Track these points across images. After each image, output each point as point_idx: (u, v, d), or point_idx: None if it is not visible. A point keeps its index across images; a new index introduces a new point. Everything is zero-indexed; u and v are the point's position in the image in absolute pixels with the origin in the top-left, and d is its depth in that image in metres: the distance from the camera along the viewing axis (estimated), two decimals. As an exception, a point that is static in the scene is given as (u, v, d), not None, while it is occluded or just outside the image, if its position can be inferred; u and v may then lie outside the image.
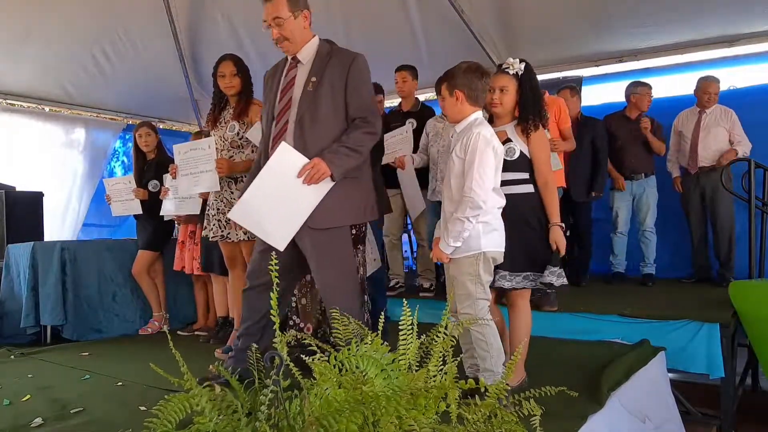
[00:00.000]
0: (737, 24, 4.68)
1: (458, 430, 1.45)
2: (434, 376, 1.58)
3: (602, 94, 5.71)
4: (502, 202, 2.34)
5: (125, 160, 6.93)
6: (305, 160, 2.31)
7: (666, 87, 5.25)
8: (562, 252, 2.42)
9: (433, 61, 5.28)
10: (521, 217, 2.44)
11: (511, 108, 2.51)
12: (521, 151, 2.46)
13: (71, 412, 2.38)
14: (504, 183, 2.44)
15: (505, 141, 2.48)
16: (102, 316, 4.13)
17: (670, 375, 3.17)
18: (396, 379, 1.44)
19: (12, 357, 3.51)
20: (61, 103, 6.17)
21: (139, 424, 1.60)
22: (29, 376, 3.00)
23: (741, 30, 4.73)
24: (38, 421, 2.27)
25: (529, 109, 2.47)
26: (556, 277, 2.43)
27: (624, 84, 4.89)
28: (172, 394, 1.37)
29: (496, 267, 2.39)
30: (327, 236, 2.39)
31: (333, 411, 1.26)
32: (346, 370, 1.43)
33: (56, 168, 6.20)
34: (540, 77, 5.61)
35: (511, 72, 2.49)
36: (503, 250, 2.34)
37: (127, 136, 6.98)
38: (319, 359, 1.55)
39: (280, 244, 2.35)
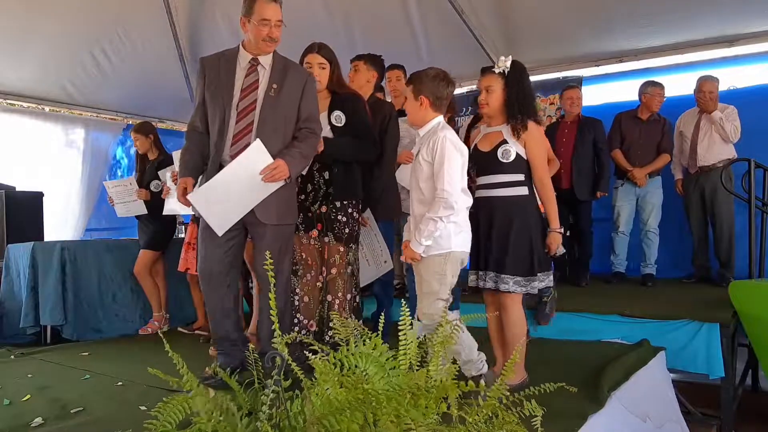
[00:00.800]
0: (737, 24, 4.68)
1: (459, 430, 1.45)
2: (434, 377, 1.58)
3: (602, 94, 5.71)
4: (470, 201, 2.40)
5: (126, 165, 6.95)
6: (270, 159, 2.52)
7: (666, 87, 5.24)
8: (551, 253, 2.46)
9: (433, 61, 5.22)
10: (514, 220, 2.46)
11: (498, 107, 2.51)
12: (517, 153, 2.46)
13: (71, 412, 2.37)
14: (499, 185, 2.47)
15: (501, 142, 2.48)
16: (102, 316, 4.13)
17: (670, 375, 3.17)
18: (396, 379, 1.44)
19: (12, 357, 3.50)
20: (61, 103, 6.17)
21: (139, 424, 1.59)
22: (29, 376, 2.99)
23: (741, 30, 4.73)
24: (38, 421, 2.26)
25: (515, 109, 2.45)
26: (548, 280, 2.48)
27: (624, 84, 4.90)
28: (172, 394, 1.37)
29: (486, 269, 2.44)
30: (281, 230, 2.67)
31: (334, 411, 1.26)
32: (347, 370, 1.43)
33: (56, 168, 6.20)
34: (540, 77, 5.70)
35: (497, 71, 2.49)
36: (468, 250, 2.40)
37: (128, 141, 6.99)
38: (320, 358, 1.55)
39: (220, 231, 2.56)
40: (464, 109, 5.75)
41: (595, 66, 5.55)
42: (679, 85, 5.20)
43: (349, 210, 2.96)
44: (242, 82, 2.61)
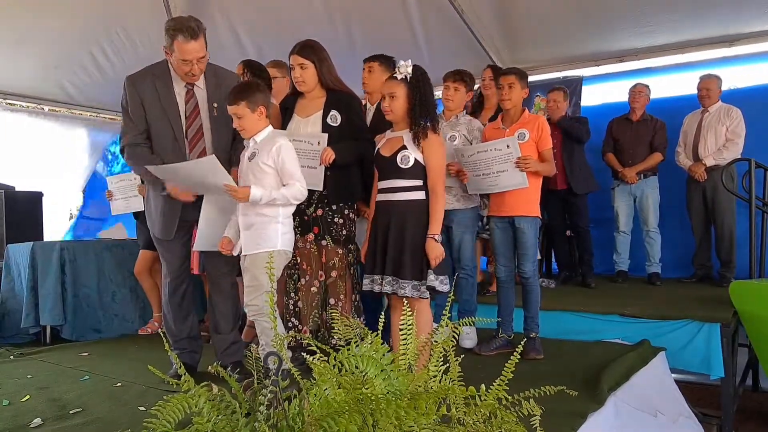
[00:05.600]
0: (737, 24, 4.68)
1: (458, 430, 1.45)
2: (434, 377, 1.58)
3: (602, 94, 5.72)
4: (293, 207, 2.57)
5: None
6: (227, 175, 2.51)
7: (666, 87, 5.25)
8: (433, 264, 2.47)
9: (434, 61, 5.27)
10: (410, 223, 2.50)
11: (402, 114, 2.55)
12: (416, 159, 2.51)
13: (71, 412, 2.37)
14: (397, 189, 2.52)
15: (401, 148, 2.53)
16: (101, 316, 4.12)
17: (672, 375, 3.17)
18: (396, 380, 1.44)
19: (11, 357, 3.50)
20: (61, 103, 6.18)
21: (138, 424, 1.59)
22: (29, 376, 3.00)
23: (741, 30, 4.73)
24: (38, 421, 2.26)
25: (417, 116, 2.50)
26: (439, 282, 2.49)
27: (624, 84, 4.89)
28: (171, 394, 1.37)
29: (383, 273, 2.51)
30: None
31: (332, 412, 1.26)
32: (346, 371, 1.43)
33: (56, 168, 6.21)
34: (540, 77, 5.71)
35: (399, 77, 2.54)
36: (291, 250, 2.59)
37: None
38: (318, 359, 1.55)
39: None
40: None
41: (595, 66, 5.56)
42: (679, 85, 5.22)
43: (346, 212, 2.93)
44: (184, 108, 2.64)
